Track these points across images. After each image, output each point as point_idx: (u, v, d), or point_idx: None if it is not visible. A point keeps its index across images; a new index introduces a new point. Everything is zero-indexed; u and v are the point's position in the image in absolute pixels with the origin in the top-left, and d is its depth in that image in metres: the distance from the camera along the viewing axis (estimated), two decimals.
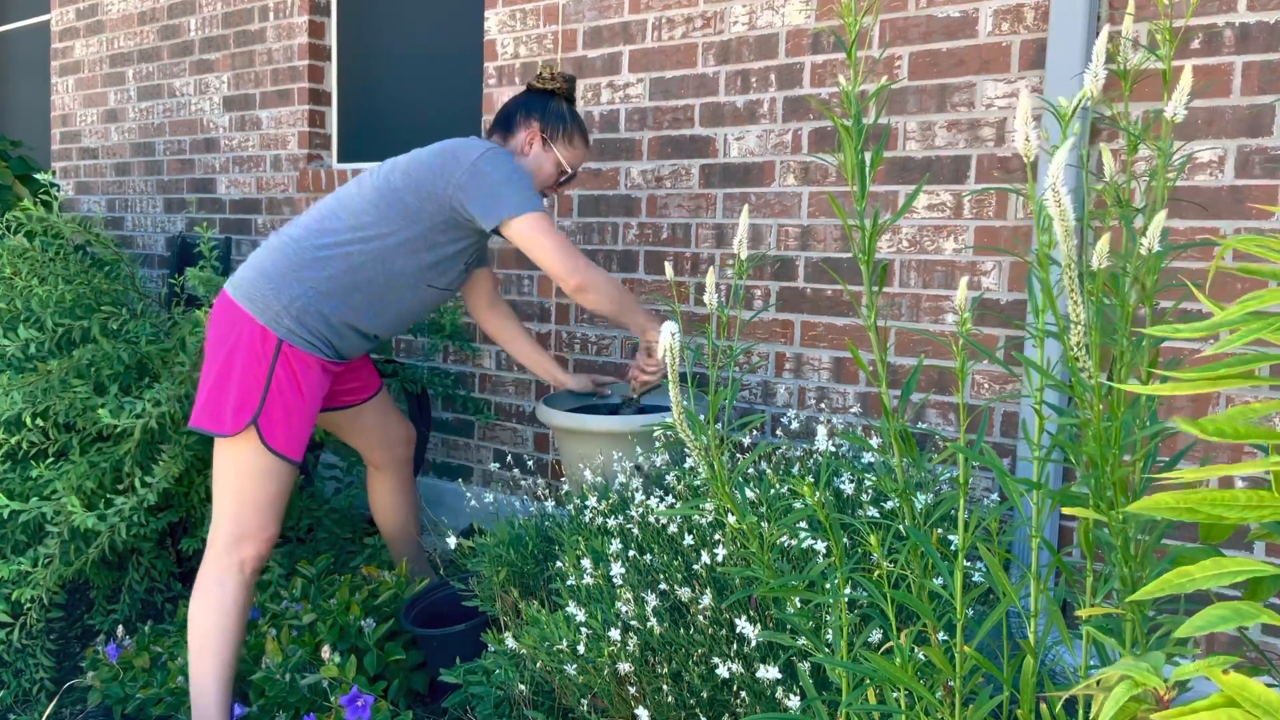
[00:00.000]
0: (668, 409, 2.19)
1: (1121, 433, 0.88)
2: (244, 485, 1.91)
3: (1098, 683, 0.72)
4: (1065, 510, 0.91)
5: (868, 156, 1.04)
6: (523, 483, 2.91)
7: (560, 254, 2.00)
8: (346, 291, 1.97)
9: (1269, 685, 0.65)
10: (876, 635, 1.37)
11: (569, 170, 2.20)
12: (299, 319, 1.92)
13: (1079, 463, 1.01)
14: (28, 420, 2.12)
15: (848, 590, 1.12)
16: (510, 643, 1.75)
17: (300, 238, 1.98)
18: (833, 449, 1.92)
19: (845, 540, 1.25)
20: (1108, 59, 0.95)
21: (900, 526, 1.12)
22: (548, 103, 2.17)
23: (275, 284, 1.92)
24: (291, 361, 1.92)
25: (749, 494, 1.63)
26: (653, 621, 1.56)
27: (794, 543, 1.55)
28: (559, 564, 1.82)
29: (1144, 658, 0.72)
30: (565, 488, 2.19)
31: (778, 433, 2.30)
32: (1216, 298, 1.70)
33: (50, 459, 2.21)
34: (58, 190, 2.89)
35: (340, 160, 3.64)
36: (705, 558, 1.59)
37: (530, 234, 1.98)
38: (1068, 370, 0.93)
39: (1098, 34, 1.94)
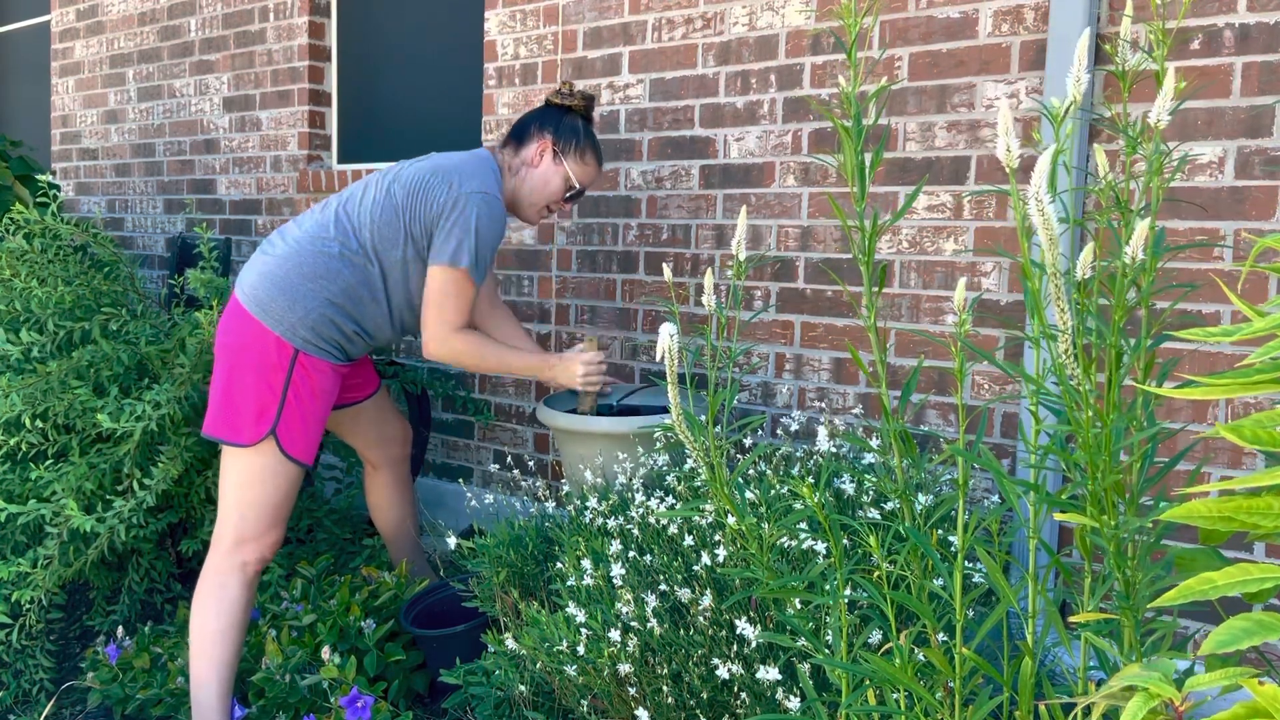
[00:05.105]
0: (668, 410, 2.19)
1: (1112, 439, 0.88)
2: (252, 489, 1.91)
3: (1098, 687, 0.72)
4: (1058, 517, 0.91)
5: (868, 157, 1.04)
6: (523, 483, 2.91)
7: (445, 321, 2.01)
8: (358, 303, 1.99)
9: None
10: (876, 636, 1.37)
11: (577, 186, 2.19)
12: (314, 329, 1.94)
13: (1071, 469, 1.00)
14: (27, 422, 2.12)
15: (848, 591, 1.12)
16: (510, 643, 1.75)
17: (307, 243, 1.98)
18: (833, 450, 1.92)
19: (845, 541, 1.25)
20: (1107, 60, 0.95)
21: (900, 528, 1.12)
22: (562, 117, 2.18)
23: (290, 296, 1.93)
24: (307, 369, 1.94)
25: (749, 495, 1.63)
26: (653, 622, 1.56)
27: (794, 544, 1.55)
28: (559, 565, 1.82)
29: (1153, 665, 0.71)
30: (565, 488, 2.19)
31: (778, 433, 2.30)
32: (1232, 299, 1.70)
33: (50, 460, 2.21)
34: (57, 191, 2.89)
35: (340, 161, 3.64)
36: (705, 559, 1.59)
37: (445, 286, 1.99)
38: (1055, 376, 0.93)
39: (1097, 35, 1.94)
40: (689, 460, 1.93)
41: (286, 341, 1.92)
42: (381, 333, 2.07)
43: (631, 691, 1.57)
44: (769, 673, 1.35)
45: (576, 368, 2.11)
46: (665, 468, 2.02)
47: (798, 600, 1.21)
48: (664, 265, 2.13)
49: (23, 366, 2.23)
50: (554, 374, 2.13)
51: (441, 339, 2.03)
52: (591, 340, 2.19)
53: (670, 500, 1.83)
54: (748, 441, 2.36)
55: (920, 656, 1.19)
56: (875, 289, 1.07)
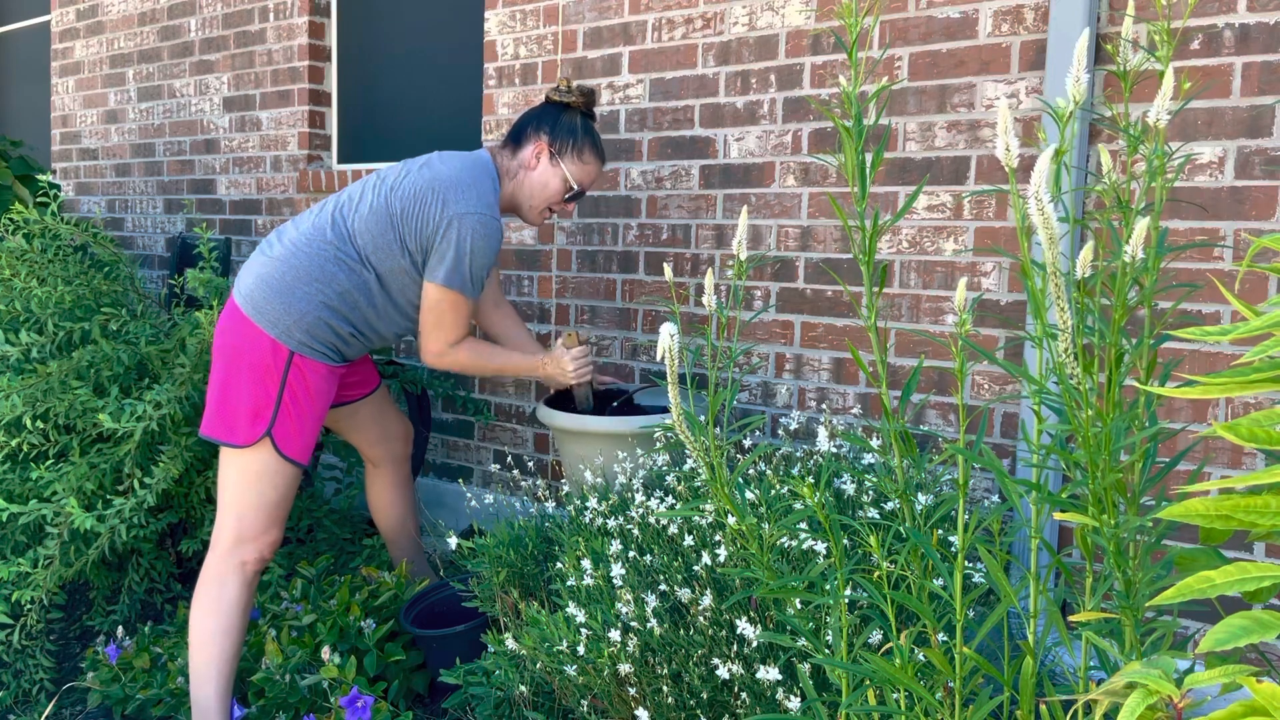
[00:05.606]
0: (668, 409, 2.19)
1: (1111, 438, 0.88)
2: (250, 488, 1.91)
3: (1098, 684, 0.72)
4: (1058, 516, 0.91)
5: (868, 157, 1.04)
6: (523, 483, 2.91)
7: (444, 338, 2.05)
8: (353, 307, 1.99)
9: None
10: (876, 636, 1.37)
11: (576, 187, 2.16)
12: (309, 332, 1.94)
13: (1072, 469, 1.00)
14: (28, 422, 2.12)
15: (848, 591, 1.12)
16: (510, 643, 1.75)
17: (304, 246, 1.98)
18: (833, 450, 1.92)
19: (845, 541, 1.25)
20: (1107, 60, 0.95)
21: (900, 527, 1.12)
22: (560, 116, 2.14)
23: (285, 298, 1.92)
24: (303, 370, 1.94)
25: (749, 495, 1.63)
26: (653, 622, 1.56)
27: (794, 544, 1.55)
28: (559, 565, 1.82)
29: (1154, 663, 0.71)
30: (565, 488, 2.19)
31: (778, 434, 2.30)
32: (1229, 298, 1.70)
33: (50, 460, 2.21)
34: (58, 191, 2.89)
35: (340, 161, 3.64)
36: (705, 558, 1.59)
37: (441, 304, 2.01)
38: (1056, 376, 0.93)
39: (1098, 35, 1.94)
40: (689, 460, 1.93)
41: (281, 344, 1.92)
42: (378, 335, 2.07)
43: (631, 691, 1.57)
44: (769, 673, 1.35)
45: (566, 364, 2.15)
46: (665, 468, 2.01)
47: (798, 600, 1.21)
48: (664, 265, 2.13)
49: (23, 367, 2.23)
50: (546, 372, 2.16)
51: (439, 353, 2.08)
52: (571, 335, 2.21)
53: (670, 500, 1.83)
54: (748, 441, 2.36)
55: (920, 656, 1.19)
56: (875, 289, 1.07)
